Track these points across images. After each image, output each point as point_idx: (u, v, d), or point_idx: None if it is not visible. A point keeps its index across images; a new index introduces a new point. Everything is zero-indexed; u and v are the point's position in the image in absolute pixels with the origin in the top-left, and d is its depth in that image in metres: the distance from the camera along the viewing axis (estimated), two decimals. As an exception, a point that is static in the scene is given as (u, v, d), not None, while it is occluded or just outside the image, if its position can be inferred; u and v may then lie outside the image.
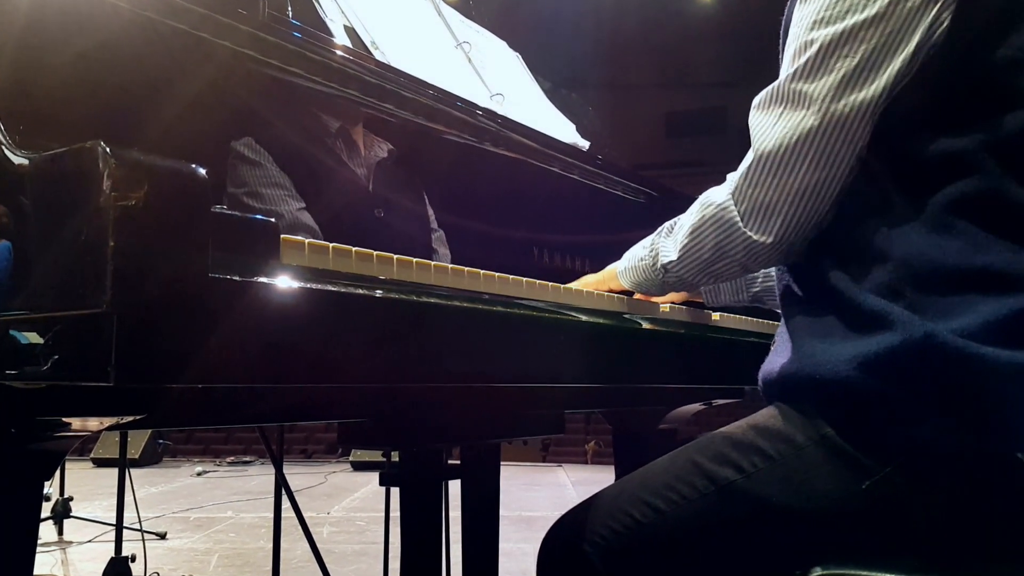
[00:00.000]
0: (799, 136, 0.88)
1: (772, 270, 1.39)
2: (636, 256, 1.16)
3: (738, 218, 0.94)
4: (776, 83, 0.91)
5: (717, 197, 0.97)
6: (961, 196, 0.83)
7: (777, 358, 0.94)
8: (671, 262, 1.06)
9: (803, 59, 0.88)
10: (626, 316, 1.15)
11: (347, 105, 1.20)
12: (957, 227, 0.83)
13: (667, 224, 1.12)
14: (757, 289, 1.44)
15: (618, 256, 1.37)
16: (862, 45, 0.84)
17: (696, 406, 1.77)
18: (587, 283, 1.25)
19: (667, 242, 1.09)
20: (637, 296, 1.30)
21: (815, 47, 0.87)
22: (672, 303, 1.36)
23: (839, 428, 0.86)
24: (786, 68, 0.91)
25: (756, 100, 0.94)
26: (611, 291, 1.21)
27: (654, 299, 1.32)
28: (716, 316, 1.45)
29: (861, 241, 0.88)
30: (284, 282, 0.65)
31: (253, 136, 1.02)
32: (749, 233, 0.94)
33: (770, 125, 0.91)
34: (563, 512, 1.07)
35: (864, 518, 0.86)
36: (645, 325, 1.16)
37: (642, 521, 0.94)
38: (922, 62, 0.84)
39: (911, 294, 0.83)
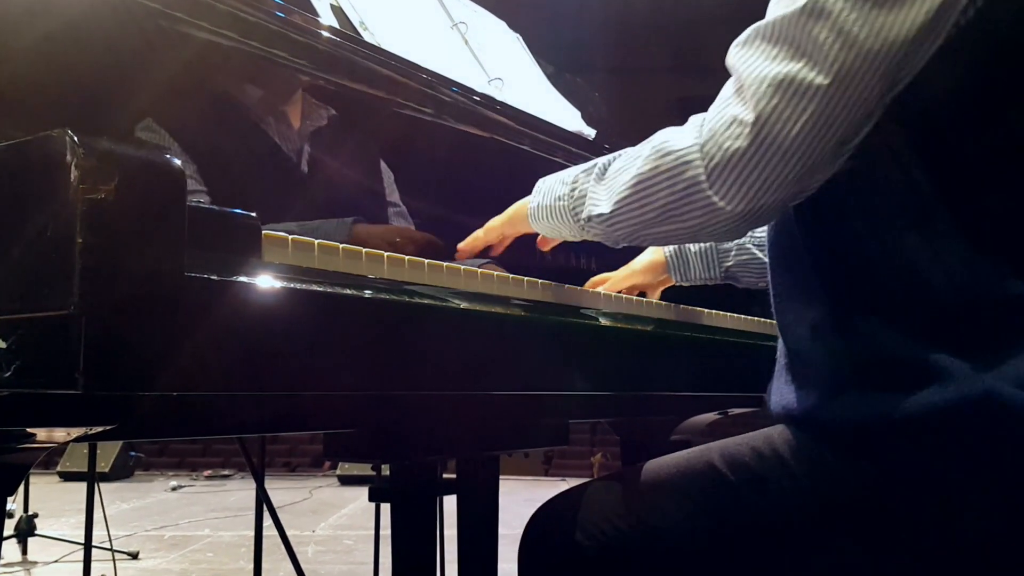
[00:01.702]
0: (802, 80, 0.76)
1: (753, 252, 1.34)
2: (553, 193, 1.03)
3: (703, 175, 0.81)
4: (773, 18, 0.80)
5: (678, 143, 0.83)
6: (1012, 206, 0.79)
7: (792, 394, 0.89)
8: (601, 215, 0.93)
9: None
10: (635, 318, 1.15)
11: (280, 76, 1.15)
12: (1011, 245, 0.78)
13: (600, 161, 0.97)
14: (730, 263, 1.37)
15: (629, 258, 1.37)
16: None
17: (711, 415, 1.77)
18: (492, 227, 1.15)
19: (599, 188, 0.95)
20: (650, 296, 1.30)
21: None
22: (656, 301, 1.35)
23: (879, 466, 0.83)
24: (785, 4, 0.79)
25: (743, 36, 0.83)
26: (510, 234, 1.14)
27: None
28: (731, 317, 1.46)
29: (893, 269, 0.82)
30: (266, 281, 0.65)
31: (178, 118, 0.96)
32: (713, 196, 0.81)
33: (762, 63, 0.79)
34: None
35: (898, 558, 0.84)
36: (656, 328, 1.16)
37: (649, 524, 0.93)
38: (955, 35, 0.77)
39: (958, 333, 0.78)
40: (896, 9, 0.75)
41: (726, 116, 0.80)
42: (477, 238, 1.18)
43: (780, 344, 0.94)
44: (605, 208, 0.92)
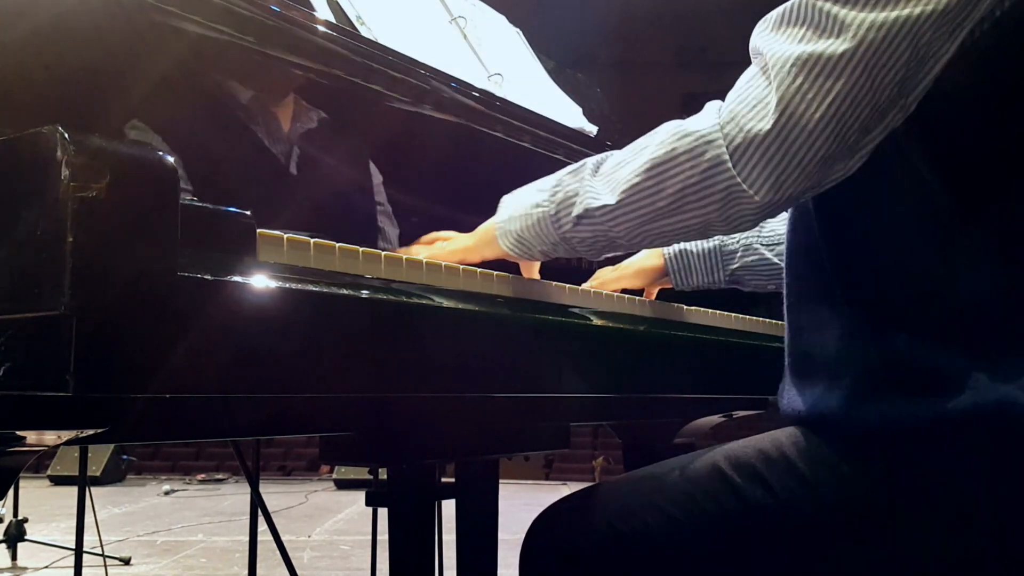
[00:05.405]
0: (827, 59, 0.76)
1: (761, 252, 1.31)
2: (528, 203, 0.96)
3: (726, 154, 0.79)
4: (796, 1, 0.80)
5: (697, 125, 0.82)
6: None
7: (801, 396, 0.90)
8: (604, 207, 0.87)
9: None
10: (639, 319, 1.15)
11: (275, 72, 1.15)
12: None
13: (589, 160, 0.93)
14: (736, 266, 1.33)
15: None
16: None
17: (715, 418, 1.77)
18: (454, 251, 1.03)
19: (595, 183, 0.90)
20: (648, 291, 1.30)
21: None
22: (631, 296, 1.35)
23: (891, 471, 0.84)
24: None
25: (765, 19, 0.83)
26: (474, 262, 1.00)
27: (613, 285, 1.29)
28: (734, 317, 1.46)
29: (908, 273, 0.83)
30: (260, 281, 0.65)
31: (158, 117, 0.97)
32: (737, 177, 0.79)
33: (786, 44, 0.78)
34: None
35: (907, 563, 0.85)
36: (659, 329, 1.16)
37: (653, 527, 0.93)
38: (972, 39, 0.77)
39: (974, 343, 0.79)
40: None
41: (749, 97, 0.79)
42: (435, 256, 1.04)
43: (787, 344, 0.95)
44: (609, 199, 0.87)
